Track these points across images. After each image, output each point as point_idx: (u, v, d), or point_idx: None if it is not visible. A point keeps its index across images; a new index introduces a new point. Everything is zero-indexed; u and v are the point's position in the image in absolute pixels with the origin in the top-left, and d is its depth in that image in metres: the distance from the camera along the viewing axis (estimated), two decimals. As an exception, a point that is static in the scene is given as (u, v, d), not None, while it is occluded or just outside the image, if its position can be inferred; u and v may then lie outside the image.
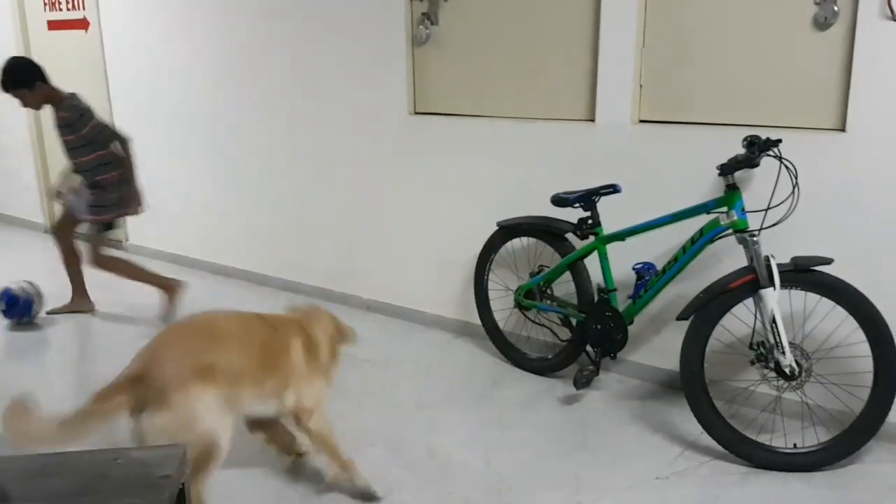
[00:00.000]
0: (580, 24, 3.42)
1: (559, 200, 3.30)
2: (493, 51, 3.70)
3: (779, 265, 2.72)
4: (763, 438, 2.87)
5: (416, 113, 4.00)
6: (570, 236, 3.44)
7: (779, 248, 2.90)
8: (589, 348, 3.38)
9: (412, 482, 2.75)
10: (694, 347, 2.86)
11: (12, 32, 5.84)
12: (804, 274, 2.72)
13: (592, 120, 3.46)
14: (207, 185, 5.03)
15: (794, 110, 3.00)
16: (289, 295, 4.70)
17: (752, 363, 2.86)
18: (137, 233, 5.63)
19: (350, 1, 4.02)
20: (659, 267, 3.19)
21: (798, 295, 2.99)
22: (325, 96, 4.27)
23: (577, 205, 3.29)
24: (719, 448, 2.86)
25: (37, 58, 5.68)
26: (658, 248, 3.33)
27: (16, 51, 5.85)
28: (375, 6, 3.94)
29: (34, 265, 5.38)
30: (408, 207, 4.14)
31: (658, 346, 3.47)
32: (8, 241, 6.21)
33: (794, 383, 2.77)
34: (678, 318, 2.87)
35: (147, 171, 5.32)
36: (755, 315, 2.83)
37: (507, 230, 3.62)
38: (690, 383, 2.89)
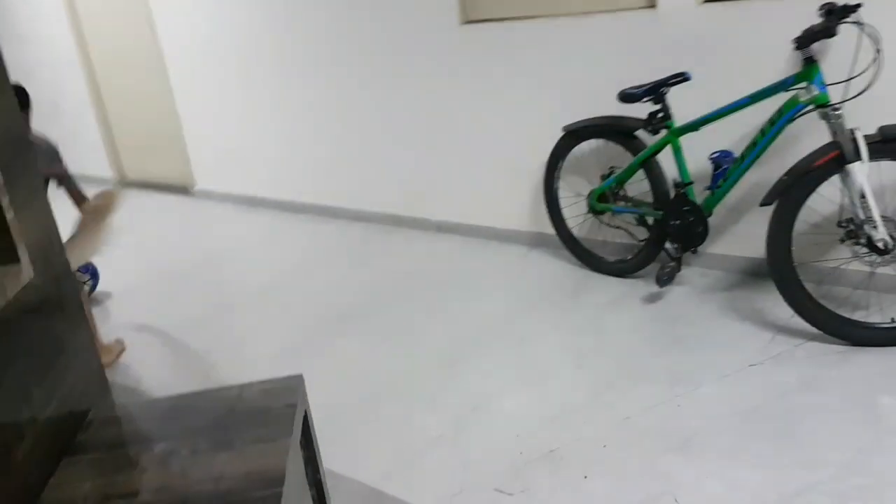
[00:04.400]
0: None
1: (627, 96, 3.20)
2: (540, -52, 3.55)
3: (865, 137, 2.60)
4: (859, 316, 2.82)
5: (468, 21, 3.89)
6: (640, 133, 3.36)
7: (864, 120, 2.75)
8: (668, 245, 3.34)
9: (512, 389, 2.82)
10: (780, 232, 2.79)
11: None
12: (893, 143, 2.59)
13: (654, 6, 3.31)
14: (268, 122, 5.05)
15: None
16: (362, 225, 4.75)
17: (842, 241, 2.78)
18: (204, 178, 5.73)
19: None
20: (737, 154, 3.10)
21: (888, 166, 2.87)
22: (374, 17, 4.19)
23: (646, 99, 3.19)
24: (813, 330, 2.82)
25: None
26: (735, 134, 3.23)
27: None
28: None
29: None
30: (468, 122, 4.08)
31: (740, 235, 3.40)
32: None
33: (888, 257, 2.69)
34: (762, 204, 2.79)
35: (209, 113, 5.41)
36: (843, 192, 2.73)
37: (574, 134, 3.55)
38: (778, 268, 2.84)
